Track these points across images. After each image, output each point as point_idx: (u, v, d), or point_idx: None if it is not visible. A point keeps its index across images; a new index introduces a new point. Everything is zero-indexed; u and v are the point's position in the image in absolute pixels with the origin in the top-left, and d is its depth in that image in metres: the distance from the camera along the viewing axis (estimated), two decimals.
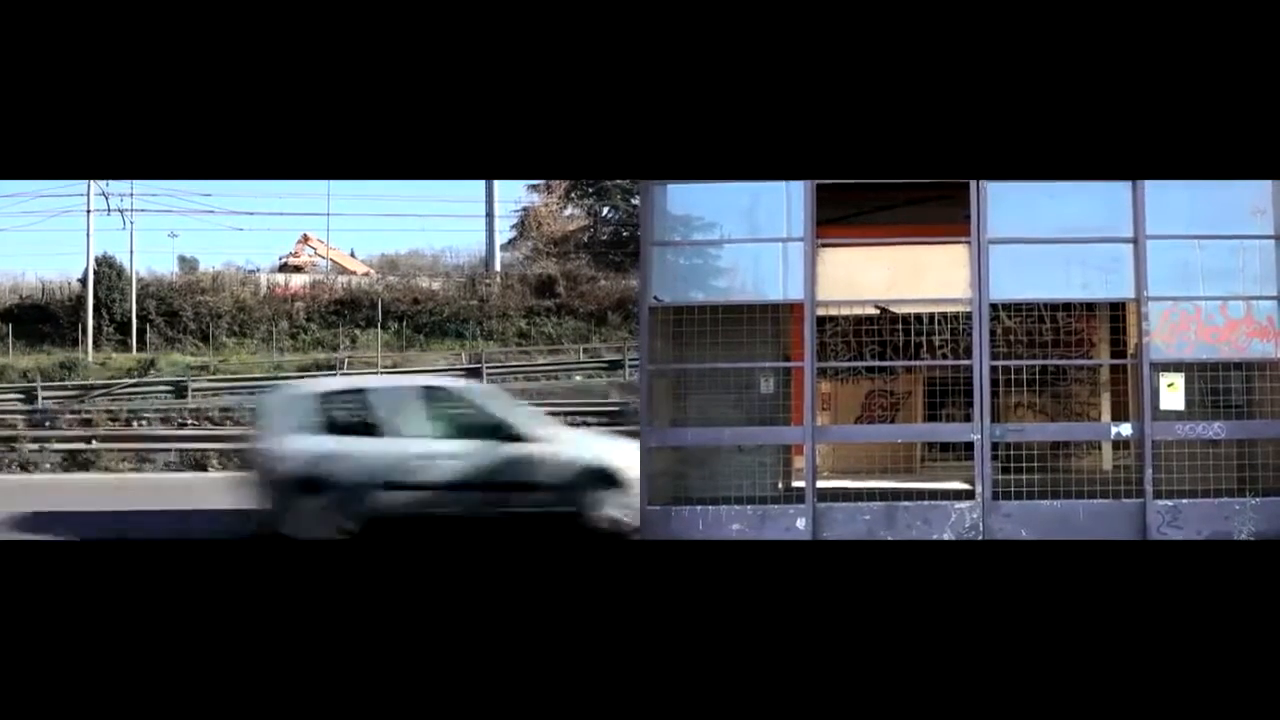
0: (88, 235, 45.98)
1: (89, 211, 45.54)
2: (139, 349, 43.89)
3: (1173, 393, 10.22)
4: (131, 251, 47.19)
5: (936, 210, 10.72)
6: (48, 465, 19.07)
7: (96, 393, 35.86)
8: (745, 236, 10.27)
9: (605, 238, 54.27)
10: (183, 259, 53.15)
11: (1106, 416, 13.56)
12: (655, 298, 10.27)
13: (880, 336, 11.46)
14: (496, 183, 49.89)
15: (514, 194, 65.55)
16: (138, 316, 44.88)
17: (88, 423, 25.09)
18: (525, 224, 55.57)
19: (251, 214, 72.87)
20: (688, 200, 10.29)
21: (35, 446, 19.52)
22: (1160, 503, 10.04)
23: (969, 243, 10.14)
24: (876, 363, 11.95)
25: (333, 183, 49.33)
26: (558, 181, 52.69)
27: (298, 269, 52.48)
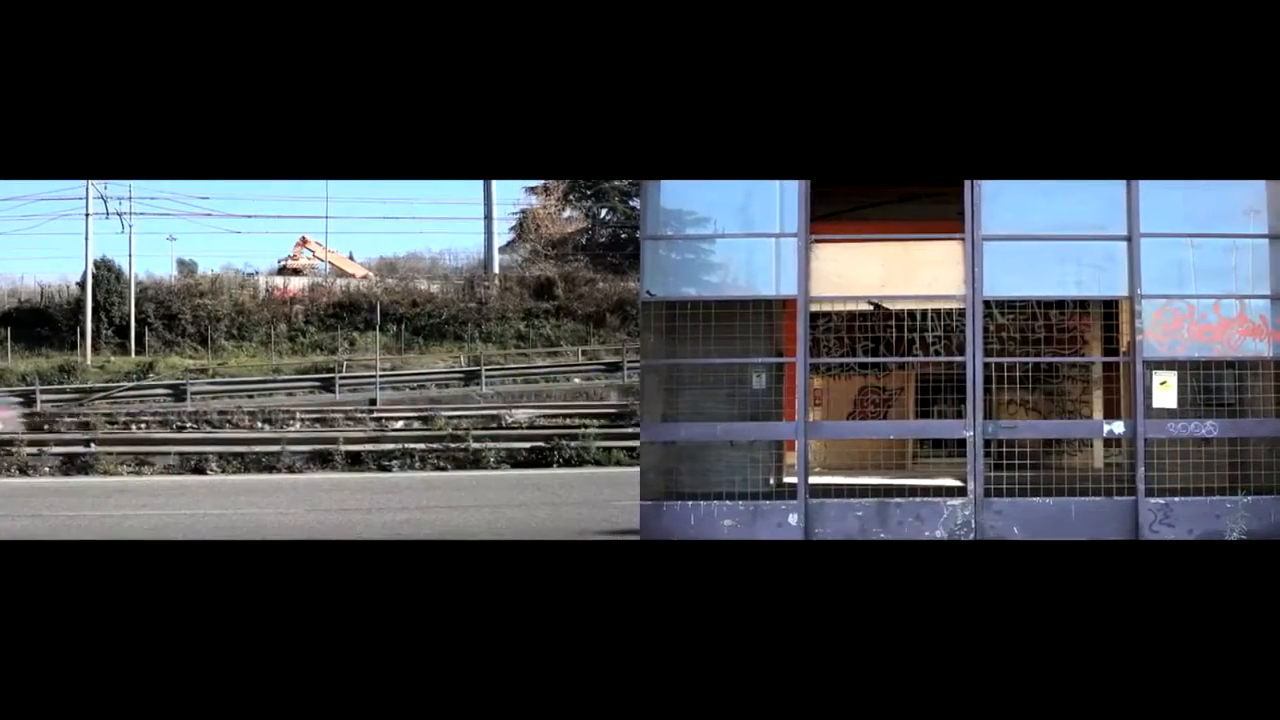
0: (86, 238, 46.07)
1: (87, 215, 45.63)
2: (138, 352, 43.93)
3: (1165, 391, 10.24)
4: (130, 255, 47.29)
5: (930, 207, 10.75)
6: (46, 469, 19.07)
7: (95, 396, 35.90)
8: (739, 232, 10.29)
9: (603, 240, 54.34)
10: (181, 262, 53.15)
11: (1099, 414, 13.59)
12: (648, 293, 10.30)
13: (873, 333, 11.48)
14: (495, 184, 50.04)
15: (512, 196, 65.65)
16: (136, 320, 44.89)
17: (86, 426, 25.12)
18: (524, 226, 55.59)
19: (250, 217, 72.99)
20: (681, 195, 10.30)
21: (34, 450, 19.51)
22: (1152, 501, 10.06)
23: (963, 239, 10.16)
24: (869, 359, 12.00)
25: (331, 185, 49.46)
26: (556, 183, 52.74)
27: (296, 272, 52.47)
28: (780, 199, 10.15)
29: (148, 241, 70.51)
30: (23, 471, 18.87)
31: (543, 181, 51.83)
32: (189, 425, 27.36)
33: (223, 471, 19.14)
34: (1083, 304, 12.12)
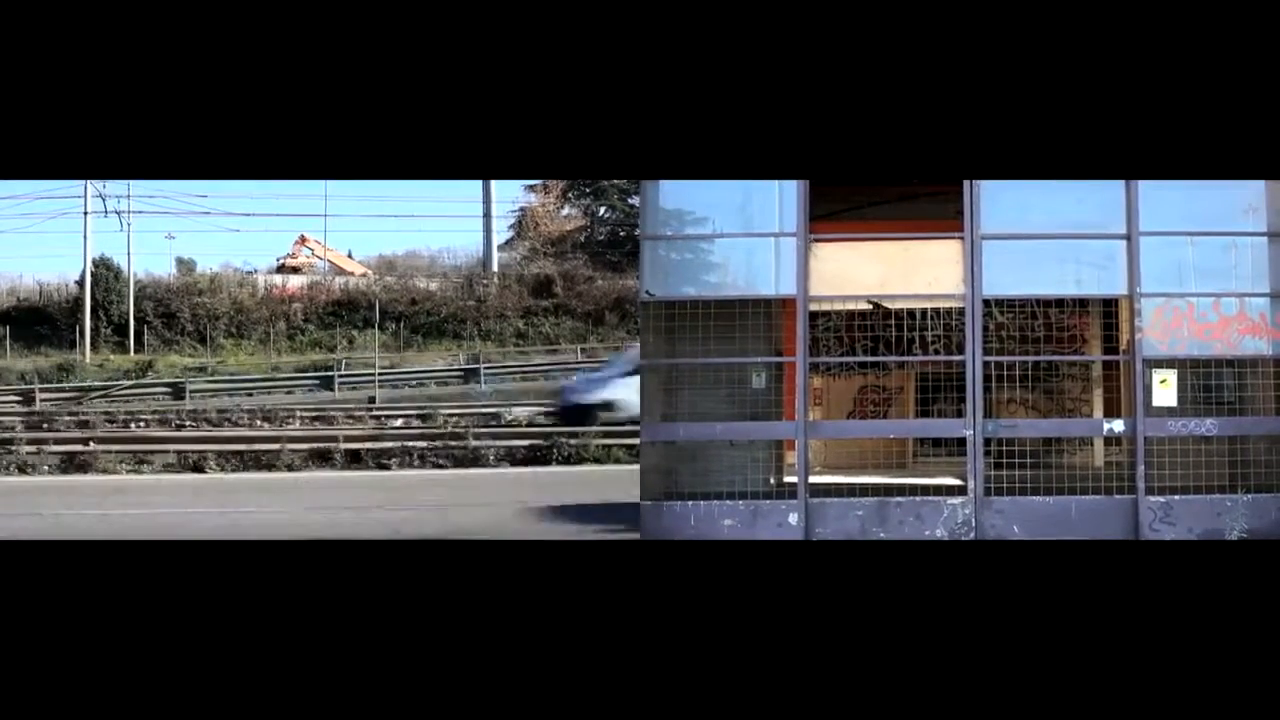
0: (85, 237, 46.01)
1: (86, 213, 45.59)
2: (136, 351, 43.90)
3: (1165, 389, 10.26)
4: (129, 253, 47.25)
5: (929, 205, 10.76)
6: (45, 467, 19.04)
7: (94, 395, 35.87)
8: (738, 231, 10.30)
9: (602, 238, 54.36)
10: (180, 260, 53.05)
11: (1099, 413, 13.61)
12: (647, 292, 10.32)
13: (873, 332, 11.47)
14: (494, 183, 50.00)
15: (511, 194, 65.76)
16: (135, 318, 44.87)
17: (85, 424, 25.08)
18: (522, 224, 55.61)
19: (249, 215, 72.82)
20: (681, 195, 10.31)
21: (33, 449, 19.48)
22: (1152, 499, 10.08)
23: (962, 238, 10.18)
24: (869, 358, 11.99)
25: (330, 183, 49.35)
26: (555, 182, 52.73)
27: (295, 270, 52.49)
28: (779, 199, 10.16)
29: (146, 240, 70.53)
30: (21, 470, 18.82)
31: (542, 179, 51.82)
32: (188, 423, 27.30)
33: (222, 470, 19.08)
34: (1082, 303, 12.11)
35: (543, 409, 25.84)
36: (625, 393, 23.14)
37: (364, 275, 51.85)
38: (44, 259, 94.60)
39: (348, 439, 20.33)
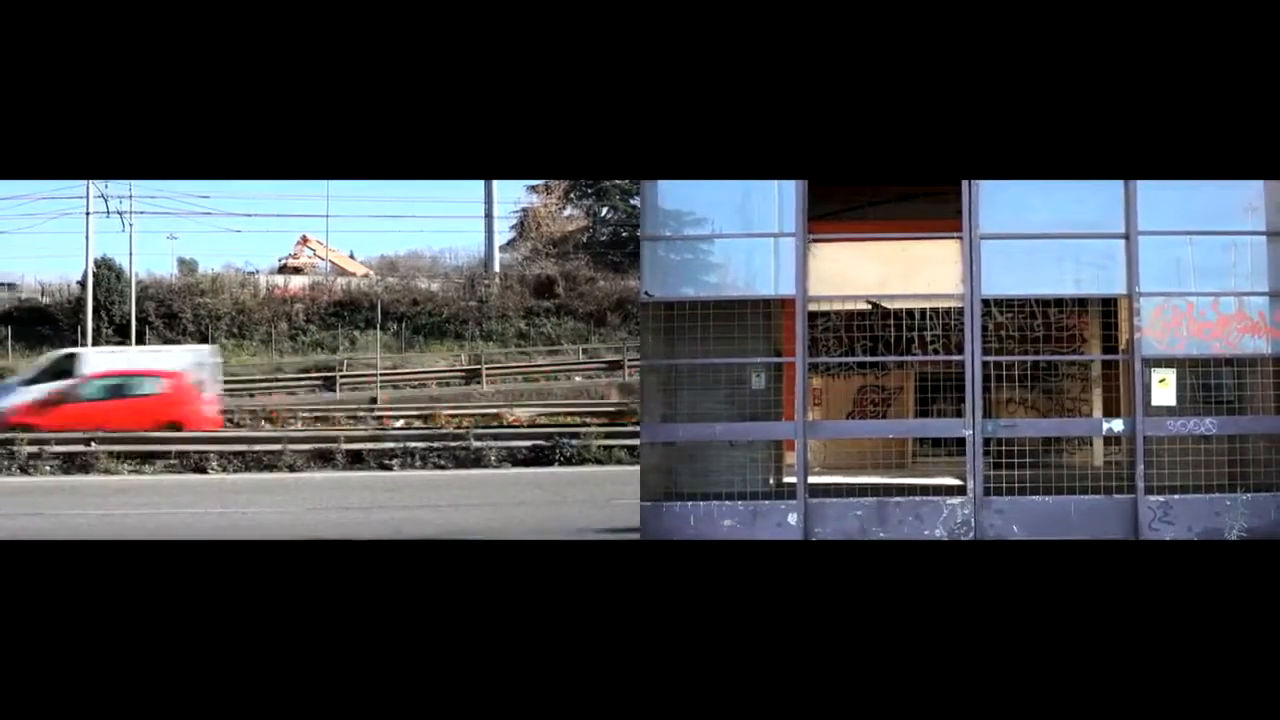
0: (87, 237, 45.93)
1: (88, 214, 45.50)
2: None
3: (1164, 388, 10.27)
4: (131, 253, 47.18)
5: (928, 205, 10.75)
6: (47, 468, 19.05)
7: None
8: (737, 232, 10.31)
9: (604, 238, 54.33)
10: (182, 261, 52.99)
11: (1098, 412, 13.63)
12: (646, 293, 10.33)
13: (872, 332, 11.49)
14: (495, 183, 49.98)
15: (513, 194, 65.80)
16: (137, 319, 44.85)
17: None
18: (524, 225, 55.58)
19: (250, 215, 72.93)
20: (680, 196, 10.33)
21: (34, 448, 19.48)
22: (1152, 498, 10.09)
23: (961, 238, 10.19)
24: (868, 358, 12.03)
25: (332, 184, 49.33)
26: (557, 182, 52.73)
27: (297, 270, 52.42)
28: (779, 199, 10.17)
29: (148, 240, 70.68)
30: (23, 470, 18.84)
31: (543, 180, 51.81)
32: None
33: (223, 470, 19.12)
34: (1081, 302, 12.14)
35: None
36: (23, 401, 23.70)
37: (366, 276, 51.81)
38: (46, 259, 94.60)
39: (349, 440, 20.35)
